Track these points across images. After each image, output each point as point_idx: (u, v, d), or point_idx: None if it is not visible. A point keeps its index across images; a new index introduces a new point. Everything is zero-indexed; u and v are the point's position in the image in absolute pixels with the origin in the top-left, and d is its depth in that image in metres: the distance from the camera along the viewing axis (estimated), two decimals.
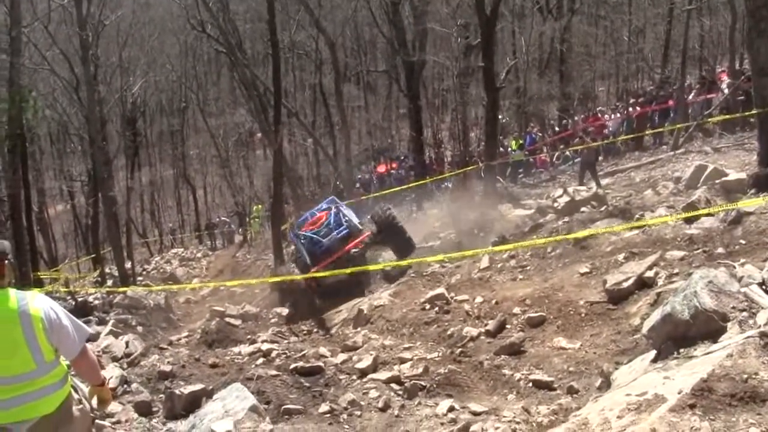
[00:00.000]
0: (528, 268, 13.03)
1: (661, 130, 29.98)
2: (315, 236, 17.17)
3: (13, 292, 4.44)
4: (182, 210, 58.28)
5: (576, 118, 36.42)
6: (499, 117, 31.46)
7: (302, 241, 17.61)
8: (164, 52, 51.50)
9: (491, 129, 26.13)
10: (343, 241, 16.93)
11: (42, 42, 32.85)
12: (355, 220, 17.94)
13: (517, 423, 7.12)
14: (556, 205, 19.00)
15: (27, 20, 25.19)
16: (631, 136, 30.53)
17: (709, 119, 27.23)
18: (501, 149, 33.07)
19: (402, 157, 44.92)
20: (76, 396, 4.80)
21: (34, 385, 4.42)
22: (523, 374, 8.60)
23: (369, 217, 17.90)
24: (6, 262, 4.46)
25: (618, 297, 9.84)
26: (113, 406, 7.81)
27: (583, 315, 9.90)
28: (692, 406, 4.67)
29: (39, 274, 25.74)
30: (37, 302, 4.48)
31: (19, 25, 19.83)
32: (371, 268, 15.81)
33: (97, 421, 7.13)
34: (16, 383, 4.36)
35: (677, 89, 30.14)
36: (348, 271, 14.87)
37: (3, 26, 22.31)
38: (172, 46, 53.42)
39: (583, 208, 17.75)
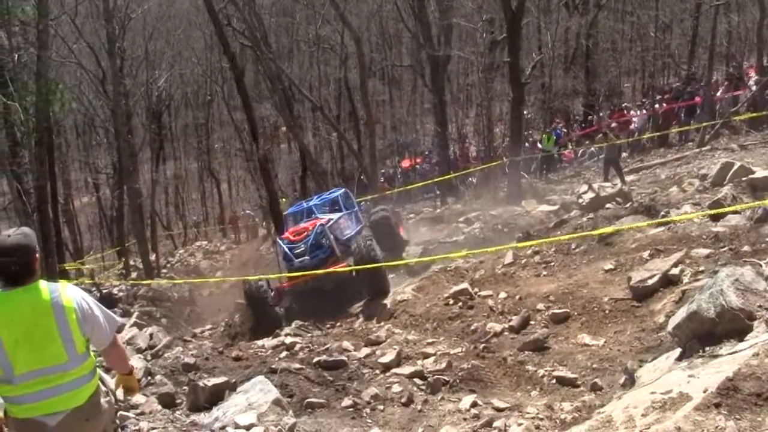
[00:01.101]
0: (552, 264, 12.99)
1: (687, 128, 29.80)
2: (289, 252, 16.15)
3: (44, 284, 4.45)
4: (206, 203, 58.39)
5: (601, 114, 36.27)
6: (524, 112, 31.37)
7: (279, 248, 16.86)
8: (190, 46, 51.53)
9: (516, 124, 26.09)
10: (317, 266, 15.54)
11: (69, 35, 32.99)
12: (341, 238, 16.75)
13: (541, 419, 7.10)
14: (580, 201, 18.92)
15: (54, 13, 25.27)
16: (657, 133, 30.38)
17: (736, 116, 27.06)
18: (527, 145, 33.02)
19: (426, 152, 44.91)
20: (103, 388, 4.82)
21: (65, 377, 4.43)
22: (546, 371, 8.57)
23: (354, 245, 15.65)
24: (36, 255, 4.48)
25: (643, 294, 9.79)
26: (137, 398, 7.84)
27: (607, 312, 9.87)
28: (717, 405, 4.64)
29: (64, 265, 25.88)
30: (69, 293, 4.49)
31: (47, 18, 19.91)
32: (391, 264, 15.44)
33: (121, 412, 7.17)
34: (47, 375, 4.37)
35: (704, 86, 29.94)
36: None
37: (31, 19, 22.43)
38: (197, 39, 53.46)
39: (607, 205, 17.66)
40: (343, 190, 19.95)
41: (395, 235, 18.38)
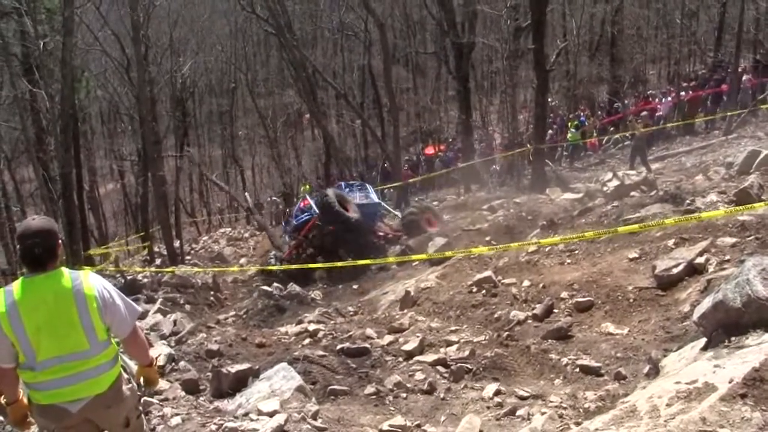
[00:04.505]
0: (576, 252, 12.92)
1: (713, 116, 29.61)
2: (291, 216, 22.25)
3: (66, 272, 4.46)
4: (230, 190, 58.63)
5: (626, 101, 36.07)
6: (549, 100, 31.25)
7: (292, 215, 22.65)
8: (214, 33, 51.75)
9: (540, 112, 25.98)
10: (302, 225, 20.99)
11: (94, 23, 33.19)
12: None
13: (564, 408, 7.07)
14: (605, 189, 18.85)
15: (79, 1, 25.35)
16: (683, 121, 30.19)
17: (763, 104, 26.85)
18: (551, 132, 32.91)
19: (450, 140, 44.83)
20: (125, 375, 4.83)
21: (87, 364, 4.44)
22: (570, 359, 8.53)
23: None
24: (59, 240, 4.50)
25: (667, 283, 9.72)
26: (161, 384, 7.87)
27: (631, 300, 9.80)
28: (743, 396, 4.60)
29: (90, 252, 26.05)
30: (91, 281, 4.49)
31: (72, 5, 19.99)
32: (416, 258, 16.15)
33: (145, 398, 7.19)
34: (69, 362, 4.39)
35: (731, 73, 29.72)
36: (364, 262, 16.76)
37: (56, 7, 22.54)
38: (222, 26, 53.68)
39: (632, 193, 17.58)
40: (360, 182, 24.00)
41: (424, 232, 20.18)
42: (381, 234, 21.81)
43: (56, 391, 4.45)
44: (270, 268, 19.77)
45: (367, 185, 23.65)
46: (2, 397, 4.70)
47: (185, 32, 43.79)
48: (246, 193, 40.49)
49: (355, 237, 20.09)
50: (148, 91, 29.66)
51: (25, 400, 4.66)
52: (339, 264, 17.50)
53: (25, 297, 4.33)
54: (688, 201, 13.90)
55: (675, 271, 9.71)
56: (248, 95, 53.38)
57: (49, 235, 4.43)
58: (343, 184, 22.91)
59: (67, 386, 4.44)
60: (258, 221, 25.04)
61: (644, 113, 28.14)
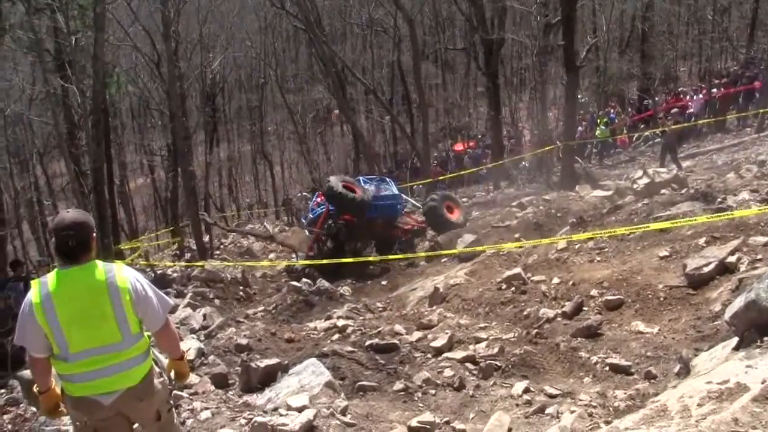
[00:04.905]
0: (606, 250, 12.85)
1: (745, 114, 29.38)
2: (308, 211, 23.12)
3: (100, 264, 4.50)
4: (259, 185, 58.76)
5: (657, 98, 35.86)
6: (578, 96, 31.12)
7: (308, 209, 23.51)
8: (244, 29, 51.86)
9: (570, 108, 25.87)
10: (317, 218, 21.12)
11: (125, 18, 33.38)
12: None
13: (594, 407, 7.04)
14: (635, 186, 18.72)
15: None
16: (714, 118, 29.99)
17: None
18: (581, 129, 32.79)
19: (479, 136, 44.77)
20: (156, 369, 4.87)
21: (119, 357, 4.49)
22: (599, 357, 8.50)
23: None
24: (93, 233, 4.55)
25: (698, 282, 9.65)
26: (191, 378, 7.92)
27: (661, 299, 9.74)
28: None
29: (120, 246, 26.24)
30: (125, 273, 4.54)
31: (104, 1, 20.09)
32: (444, 254, 16.23)
33: (174, 392, 7.25)
34: (102, 355, 4.43)
35: (763, 70, 29.48)
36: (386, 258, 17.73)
37: (88, 3, 22.70)
38: (251, 22, 53.80)
39: (663, 191, 17.45)
40: (380, 177, 24.63)
41: (444, 219, 20.96)
42: (406, 227, 21.82)
43: (89, 383, 4.50)
44: (298, 263, 19.85)
45: (388, 179, 23.67)
46: (35, 386, 4.76)
47: (215, 28, 43.96)
48: (266, 223, 40.56)
49: (371, 225, 20.50)
50: (178, 86, 29.80)
51: (58, 390, 4.72)
52: (369, 259, 17.61)
53: (59, 289, 4.38)
54: (719, 199, 13.81)
55: (706, 269, 9.64)
56: (277, 91, 53.45)
57: (83, 228, 4.48)
58: (362, 178, 22.86)
59: (99, 379, 4.49)
60: (282, 242, 25.17)
61: (674, 110, 27.97)
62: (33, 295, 4.39)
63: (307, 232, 23.15)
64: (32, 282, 4.52)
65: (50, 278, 4.44)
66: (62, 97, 25.31)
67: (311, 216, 22.04)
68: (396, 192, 22.10)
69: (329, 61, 34.70)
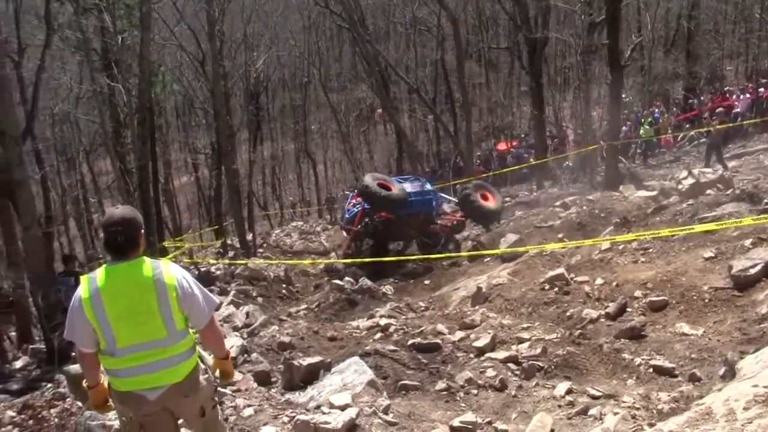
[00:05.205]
0: (650, 250, 12.76)
1: None
2: (345, 211, 23.81)
3: (148, 261, 4.56)
4: (303, 184, 59.00)
5: (702, 98, 35.51)
6: (623, 96, 30.91)
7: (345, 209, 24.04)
8: (288, 28, 52.16)
9: (614, 108, 25.69)
10: (353, 218, 21.52)
11: (170, 18, 33.71)
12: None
13: (637, 409, 7.00)
14: (680, 187, 18.55)
15: None
16: (761, 118, 29.64)
17: None
18: (624, 128, 32.56)
19: (523, 135, 44.63)
20: (202, 366, 4.92)
21: (165, 353, 4.53)
22: (643, 359, 8.45)
23: None
24: (141, 230, 4.61)
25: (744, 283, 9.57)
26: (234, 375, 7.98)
27: (706, 301, 9.67)
28: None
29: (164, 243, 26.46)
30: (172, 270, 4.58)
31: (150, 1, 20.28)
32: (488, 253, 16.22)
33: (218, 389, 7.31)
34: (148, 350, 4.48)
35: None
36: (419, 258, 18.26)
37: (135, 2, 22.93)
38: (295, 21, 54.05)
39: (708, 191, 17.27)
40: (415, 176, 24.90)
41: (479, 207, 21.29)
42: (444, 224, 21.81)
43: (135, 378, 4.55)
44: (340, 261, 19.94)
45: (422, 178, 23.85)
46: (84, 381, 4.83)
47: (259, 27, 44.19)
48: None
49: (408, 221, 20.69)
50: (223, 85, 29.99)
51: (106, 385, 4.78)
52: (411, 258, 17.64)
53: (107, 284, 4.44)
54: (765, 200, 13.66)
55: (752, 271, 9.55)
56: (321, 90, 53.71)
57: (131, 224, 4.54)
58: (396, 178, 23.01)
59: (145, 374, 4.54)
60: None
61: (720, 110, 27.68)
62: (82, 290, 4.46)
63: (344, 233, 23.61)
64: (81, 277, 4.58)
65: (99, 274, 4.51)
66: (108, 95, 25.56)
67: (347, 216, 22.50)
68: (430, 188, 22.16)
69: (373, 60, 34.74)
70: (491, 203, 21.26)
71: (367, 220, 20.70)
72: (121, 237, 4.47)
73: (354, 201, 22.49)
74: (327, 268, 20.71)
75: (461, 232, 22.21)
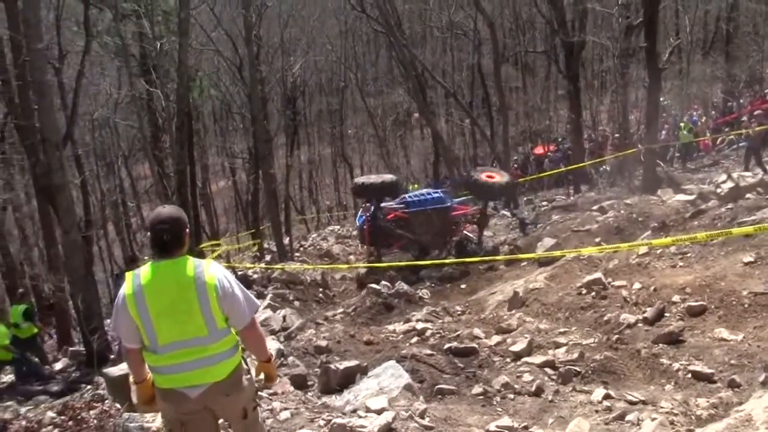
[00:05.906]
0: (689, 255, 12.67)
1: None
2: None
3: (191, 259, 4.62)
4: (339, 188, 59.10)
5: (741, 101, 35.20)
6: (661, 99, 30.70)
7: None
8: (324, 33, 52.38)
9: (652, 111, 25.53)
10: (363, 225, 21.11)
11: (208, 23, 33.97)
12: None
13: (675, 415, 6.96)
14: (719, 190, 18.39)
15: (194, 2, 25.94)
16: None
17: None
18: (663, 132, 32.34)
19: (560, 139, 44.44)
20: (245, 366, 4.94)
21: (206, 351, 4.58)
22: (681, 364, 8.39)
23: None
24: (186, 229, 4.68)
25: None
26: None
27: (746, 306, 9.58)
28: None
29: (201, 246, 26.65)
30: (212, 270, 4.62)
31: (188, 7, 20.44)
32: (525, 257, 16.19)
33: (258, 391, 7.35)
34: (188, 348, 4.53)
35: None
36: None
37: (172, 9, 23.14)
38: (332, 26, 54.26)
39: (748, 195, 17.11)
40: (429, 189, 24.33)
41: (482, 184, 20.74)
42: (467, 220, 21.66)
43: (175, 375, 4.61)
44: (376, 265, 19.91)
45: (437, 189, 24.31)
46: (131, 377, 4.90)
47: (296, 32, 44.46)
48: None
49: (424, 217, 20.49)
50: (260, 90, 30.18)
51: (151, 381, 4.84)
52: (447, 261, 17.65)
53: (151, 281, 4.52)
54: None
55: None
56: (358, 94, 53.81)
57: (177, 223, 4.62)
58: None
59: (185, 371, 4.59)
60: None
61: (758, 112, 27.44)
62: (126, 286, 4.54)
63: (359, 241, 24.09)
64: (126, 274, 4.67)
65: (144, 271, 4.59)
66: (147, 100, 25.85)
67: (357, 224, 23.03)
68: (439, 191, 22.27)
69: (409, 64, 34.75)
70: (495, 179, 21.10)
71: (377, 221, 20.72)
72: (167, 235, 4.56)
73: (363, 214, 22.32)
74: (359, 278, 20.54)
75: (487, 225, 22.02)
